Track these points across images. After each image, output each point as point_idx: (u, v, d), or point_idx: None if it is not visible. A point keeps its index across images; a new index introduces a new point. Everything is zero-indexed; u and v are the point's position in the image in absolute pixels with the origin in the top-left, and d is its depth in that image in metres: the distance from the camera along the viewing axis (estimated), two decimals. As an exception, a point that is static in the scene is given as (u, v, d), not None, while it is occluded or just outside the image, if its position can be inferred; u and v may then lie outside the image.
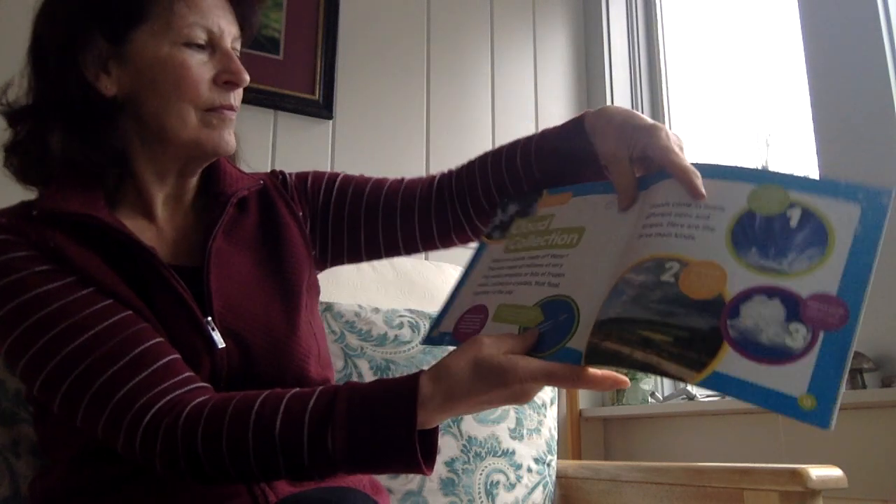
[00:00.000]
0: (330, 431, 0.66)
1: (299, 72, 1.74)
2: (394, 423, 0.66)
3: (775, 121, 1.80)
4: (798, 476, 0.91)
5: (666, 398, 1.80)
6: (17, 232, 0.77)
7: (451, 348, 0.70)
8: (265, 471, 0.68)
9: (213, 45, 0.84)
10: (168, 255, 0.86)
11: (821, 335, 0.54)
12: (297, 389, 0.71)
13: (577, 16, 2.18)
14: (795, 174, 0.64)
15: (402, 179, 0.98)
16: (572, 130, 0.83)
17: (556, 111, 2.04)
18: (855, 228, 0.59)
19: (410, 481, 1.16)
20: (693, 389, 1.79)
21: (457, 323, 0.75)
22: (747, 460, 1.08)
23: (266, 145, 1.68)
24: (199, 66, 0.82)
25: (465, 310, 0.76)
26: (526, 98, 2.03)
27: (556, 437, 1.32)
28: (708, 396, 1.73)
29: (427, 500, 1.15)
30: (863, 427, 1.32)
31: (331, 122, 1.76)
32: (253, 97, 1.66)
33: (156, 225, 0.87)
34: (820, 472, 0.92)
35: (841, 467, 0.94)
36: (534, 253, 0.76)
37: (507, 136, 1.89)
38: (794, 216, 0.61)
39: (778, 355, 0.54)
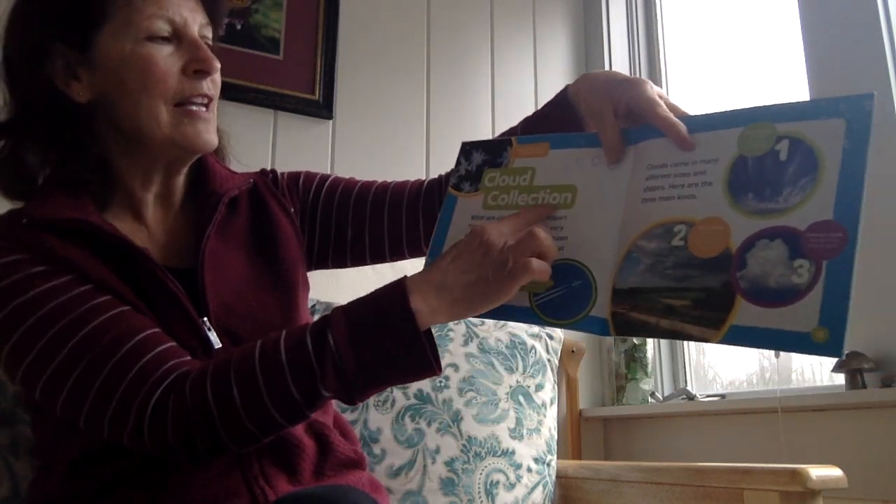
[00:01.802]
0: (330, 332, 0.68)
1: (299, 72, 1.73)
2: (388, 305, 0.68)
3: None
4: (798, 476, 0.91)
5: (666, 398, 1.80)
6: (9, 238, 0.77)
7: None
8: (279, 402, 0.68)
9: (178, 36, 0.82)
10: (160, 256, 0.85)
11: (824, 265, 0.55)
12: (288, 331, 0.72)
13: (577, 16, 2.18)
14: (779, 103, 0.64)
15: (391, 182, 0.98)
16: (556, 103, 0.84)
17: (556, 111, 2.03)
18: (842, 143, 0.59)
19: (410, 481, 1.16)
20: (693, 389, 1.79)
21: None
22: (747, 460, 1.08)
23: (266, 145, 1.68)
24: (166, 58, 0.80)
25: None
26: (526, 98, 2.03)
27: (555, 436, 1.32)
28: (708, 396, 1.73)
29: (427, 499, 1.15)
30: (863, 427, 1.32)
31: (331, 122, 1.76)
32: (253, 97, 1.66)
33: (146, 227, 0.87)
34: (820, 472, 0.92)
35: (841, 467, 0.94)
36: None
37: (507, 136, 1.89)
38: (783, 149, 0.61)
39: (787, 295, 0.56)
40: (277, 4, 1.74)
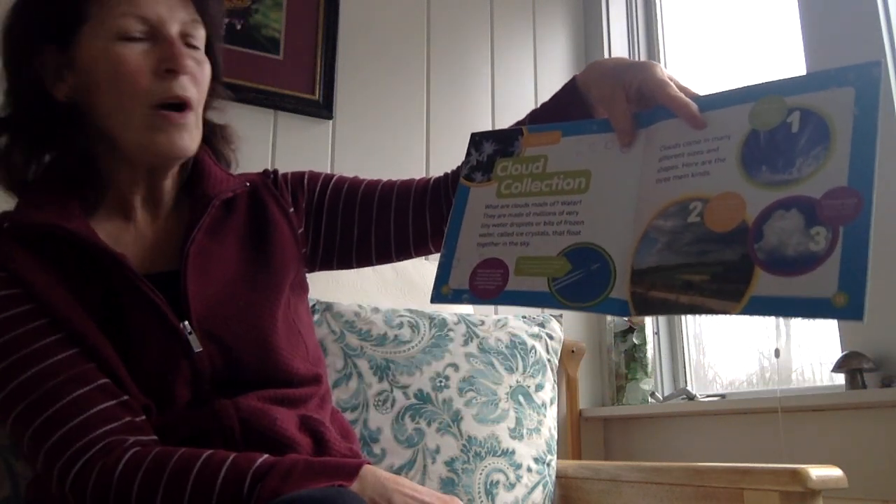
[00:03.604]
0: (261, 483, 0.69)
1: (299, 72, 1.73)
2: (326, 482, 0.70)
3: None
4: (798, 476, 0.91)
5: (666, 398, 1.80)
6: None
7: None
8: None
9: (154, 35, 0.80)
10: (147, 259, 0.85)
11: (840, 230, 0.55)
12: (243, 453, 0.73)
13: (577, 16, 2.18)
14: (788, 77, 0.64)
15: (396, 180, 0.98)
16: (565, 92, 0.84)
17: (556, 111, 2.03)
18: (853, 111, 0.59)
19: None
20: (693, 389, 1.79)
21: (471, 278, 0.74)
22: (747, 460, 1.08)
23: (266, 145, 1.68)
24: (138, 57, 0.79)
25: (474, 263, 0.75)
26: (526, 98, 2.03)
27: (555, 436, 1.32)
28: (708, 396, 1.73)
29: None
30: (863, 427, 1.32)
31: (331, 122, 1.76)
32: (253, 97, 1.65)
33: (135, 228, 0.87)
34: (820, 472, 0.92)
35: (841, 467, 0.94)
36: (539, 199, 0.75)
37: (507, 136, 1.89)
38: (795, 121, 0.62)
39: (805, 263, 0.56)
40: (277, 4, 1.74)
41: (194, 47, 0.84)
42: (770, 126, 0.63)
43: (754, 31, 1.90)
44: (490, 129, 1.94)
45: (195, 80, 0.82)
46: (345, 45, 1.82)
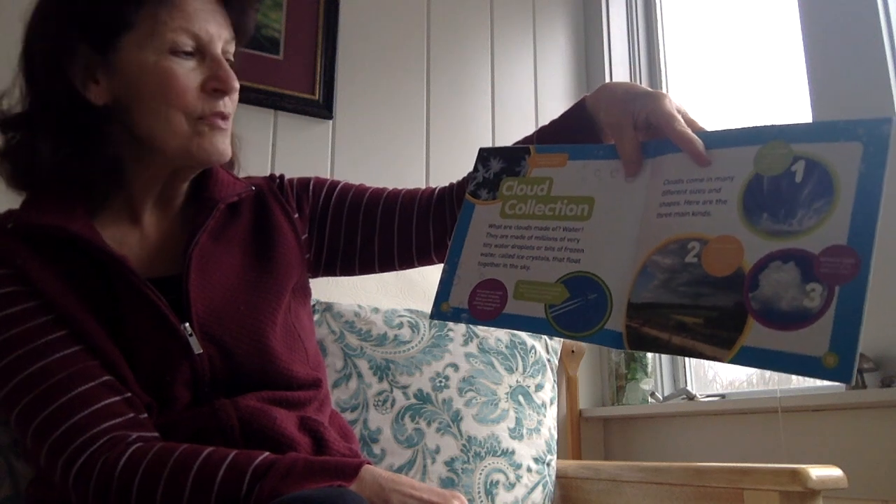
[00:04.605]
0: (260, 483, 0.69)
1: (299, 72, 1.74)
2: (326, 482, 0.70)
3: (776, 121, 1.80)
4: (798, 476, 0.91)
5: (666, 398, 1.80)
6: None
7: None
8: None
9: (201, 52, 0.82)
10: (151, 261, 0.86)
11: (836, 290, 0.55)
12: (244, 451, 0.73)
13: (577, 16, 2.19)
14: (796, 123, 0.64)
15: (401, 189, 0.98)
16: (574, 114, 0.85)
17: (556, 111, 2.01)
18: (858, 168, 0.58)
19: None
20: (693, 389, 1.79)
21: (470, 298, 0.74)
22: (747, 460, 1.08)
23: (266, 145, 1.68)
24: (187, 73, 0.81)
25: (474, 283, 0.75)
26: (526, 98, 2.03)
27: (555, 436, 1.32)
28: (708, 396, 1.73)
29: (427, 499, 1.15)
30: (863, 427, 1.32)
31: (331, 122, 1.76)
32: (253, 97, 1.65)
33: (141, 231, 0.87)
34: (820, 472, 0.92)
35: (841, 467, 0.94)
36: (542, 223, 0.75)
37: (507, 137, 1.89)
38: (799, 170, 0.61)
39: (798, 318, 0.55)
40: (277, 4, 1.74)
41: (231, 62, 0.86)
42: (774, 172, 0.62)
43: (754, 30, 1.90)
44: (490, 128, 1.95)
45: (233, 98, 0.85)
46: (345, 45, 1.82)
